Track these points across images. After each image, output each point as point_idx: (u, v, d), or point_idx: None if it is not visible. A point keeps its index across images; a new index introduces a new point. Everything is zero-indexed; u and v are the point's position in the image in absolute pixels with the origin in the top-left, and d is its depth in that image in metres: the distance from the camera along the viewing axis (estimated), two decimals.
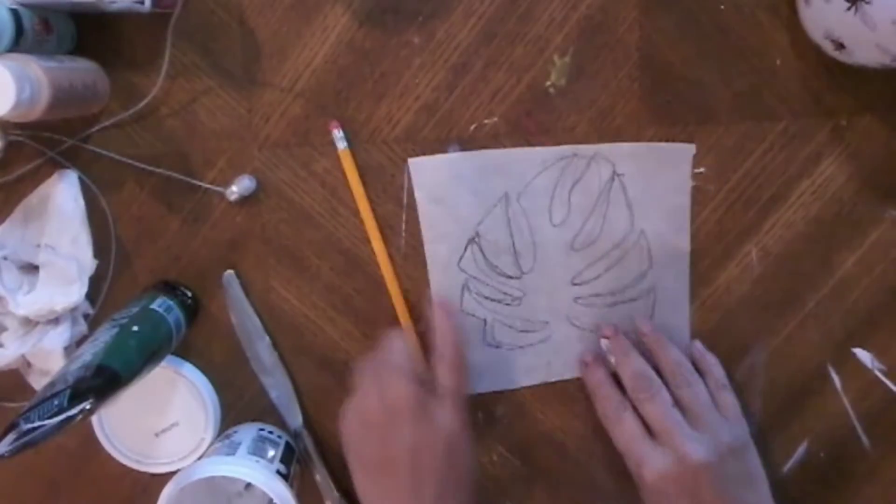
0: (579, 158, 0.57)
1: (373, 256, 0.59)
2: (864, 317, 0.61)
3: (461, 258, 0.59)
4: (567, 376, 0.61)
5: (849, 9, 0.47)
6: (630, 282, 0.60)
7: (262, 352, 0.60)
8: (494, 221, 0.58)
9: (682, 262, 0.60)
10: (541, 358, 0.61)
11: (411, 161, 0.57)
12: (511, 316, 0.60)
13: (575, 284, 0.60)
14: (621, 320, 0.60)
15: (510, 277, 0.59)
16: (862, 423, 0.62)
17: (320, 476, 0.61)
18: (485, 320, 0.60)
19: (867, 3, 0.46)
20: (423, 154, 0.57)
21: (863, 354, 0.61)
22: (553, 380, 0.61)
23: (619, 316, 0.60)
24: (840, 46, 0.51)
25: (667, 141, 0.57)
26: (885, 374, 0.61)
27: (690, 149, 0.58)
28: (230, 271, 0.59)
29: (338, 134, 0.57)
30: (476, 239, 0.59)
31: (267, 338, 0.60)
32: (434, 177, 0.57)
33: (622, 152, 0.57)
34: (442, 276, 0.59)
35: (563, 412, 0.62)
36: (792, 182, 0.59)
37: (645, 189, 0.58)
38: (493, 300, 0.60)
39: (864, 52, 0.49)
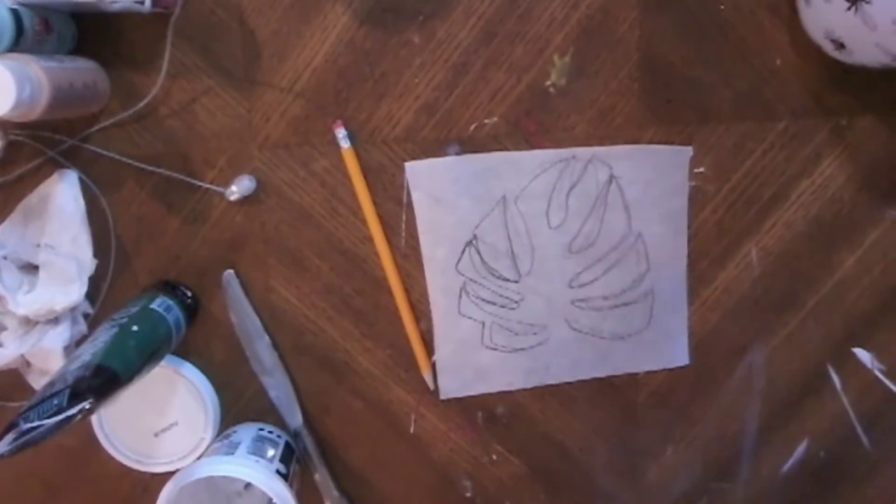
0: (576, 161, 0.57)
1: (373, 256, 0.59)
2: (864, 317, 0.61)
3: (459, 261, 0.59)
4: (567, 379, 0.61)
5: (849, 8, 0.47)
6: (628, 284, 0.60)
7: (262, 352, 0.60)
8: (492, 224, 0.58)
9: (680, 265, 0.60)
10: (539, 361, 0.61)
11: (408, 164, 0.57)
12: (509, 319, 0.60)
13: (573, 287, 0.60)
14: (619, 323, 0.60)
15: (508, 280, 0.59)
16: (862, 423, 0.62)
17: (320, 476, 0.61)
18: (483, 323, 0.60)
19: (867, 2, 0.46)
20: (424, 154, 0.57)
21: (863, 354, 0.61)
22: (552, 382, 0.61)
23: (617, 319, 0.60)
24: (840, 46, 0.51)
25: (667, 141, 0.57)
26: (885, 374, 0.61)
27: (688, 151, 0.58)
28: (230, 271, 0.59)
29: (341, 133, 0.56)
30: (474, 242, 0.59)
31: (267, 337, 0.60)
32: (431, 180, 0.57)
33: (619, 154, 0.57)
34: (440, 279, 0.59)
35: (563, 412, 0.62)
36: (792, 182, 0.59)
37: (642, 191, 0.58)
38: (491, 303, 0.60)
39: (865, 51, 0.49)
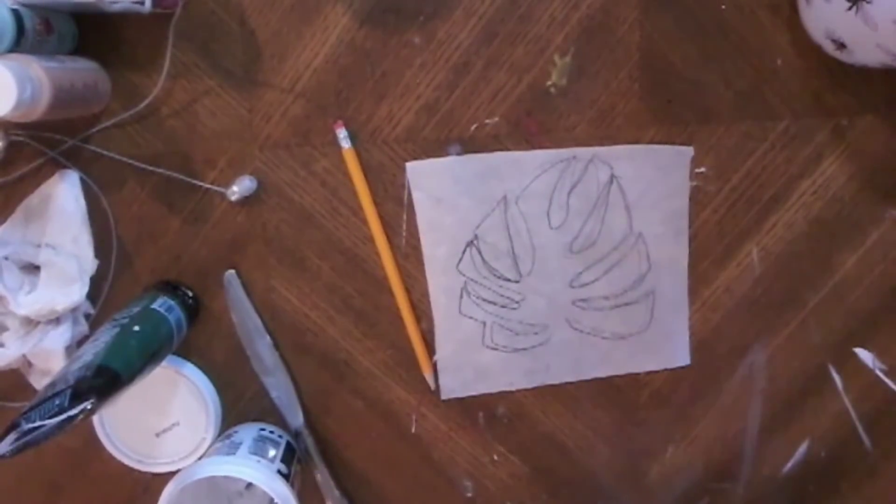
0: (577, 161, 0.57)
1: (374, 256, 0.59)
2: (864, 317, 0.61)
3: (460, 261, 0.59)
4: (568, 379, 0.61)
5: (850, 8, 0.47)
6: (629, 284, 0.60)
7: (263, 351, 0.60)
8: (493, 224, 0.58)
9: (681, 265, 0.60)
10: (540, 361, 0.61)
11: (409, 165, 0.57)
12: (510, 318, 0.60)
13: (574, 287, 0.60)
14: (620, 323, 0.60)
15: (509, 280, 0.59)
16: (863, 423, 0.62)
17: (321, 476, 0.61)
18: (484, 323, 0.60)
19: (868, 2, 0.46)
20: (424, 154, 0.57)
21: (864, 354, 0.61)
22: (553, 382, 0.61)
23: (619, 319, 0.60)
24: (841, 46, 0.51)
25: (667, 141, 0.57)
26: (886, 374, 0.61)
27: (689, 151, 0.58)
28: (231, 271, 0.59)
29: (341, 133, 0.57)
30: (475, 242, 0.59)
31: (268, 337, 0.60)
32: (432, 180, 0.57)
33: (620, 154, 0.57)
34: (440, 279, 0.59)
35: (564, 412, 0.62)
36: (793, 182, 0.59)
37: (643, 192, 0.58)
38: (491, 303, 0.60)
39: (865, 51, 0.49)
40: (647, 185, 0.58)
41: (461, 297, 0.60)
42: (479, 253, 0.59)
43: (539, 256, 0.59)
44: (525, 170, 0.57)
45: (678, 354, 0.61)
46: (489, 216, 0.58)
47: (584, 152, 0.57)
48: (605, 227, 0.59)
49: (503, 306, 0.60)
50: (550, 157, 0.57)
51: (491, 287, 0.60)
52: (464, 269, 0.59)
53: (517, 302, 0.60)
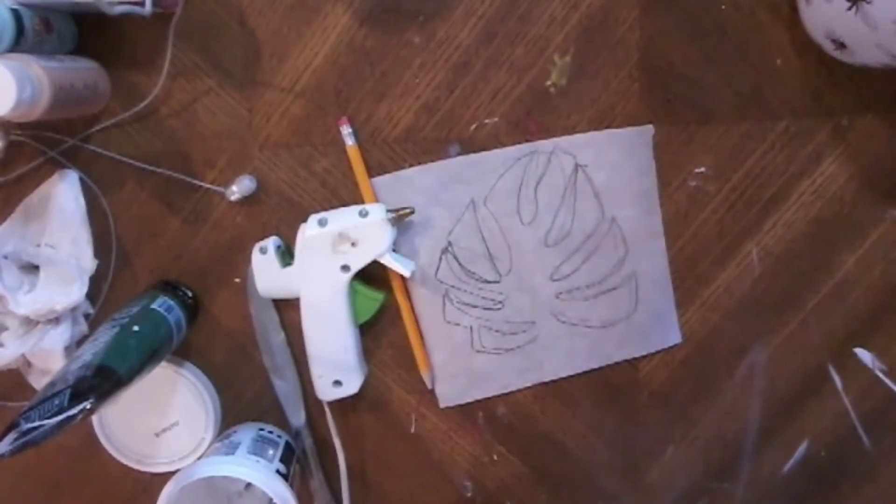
0: (539, 155, 0.57)
1: None
2: (864, 317, 0.61)
3: (437, 270, 0.59)
4: (562, 374, 0.61)
5: (850, 8, 0.47)
6: (609, 270, 0.59)
7: (276, 346, 0.60)
8: (464, 229, 0.58)
9: (659, 244, 0.59)
10: (532, 358, 0.61)
11: (373, 181, 0.57)
12: (496, 320, 0.60)
13: (555, 280, 0.59)
14: (606, 310, 0.60)
15: (489, 282, 0.59)
16: (862, 423, 0.62)
17: (317, 481, 0.61)
18: (470, 328, 0.60)
19: (868, 2, 0.46)
20: (424, 154, 0.57)
21: (864, 354, 0.61)
22: (548, 379, 0.61)
23: (604, 306, 0.60)
24: (841, 46, 0.51)
25: (667, 141, 0.57)
26: (886, 374, 0.61)
27: (649, 130, 0.57)
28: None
29: (346, 130, 0.56)
30: (449, 248, 0.58)
31: (283, 333, 0.60)
32: (398, 193, 0.57)
33: (581, 143, 0.57)
34: (421, 290, 0.59)
35: (564, 412, 0.62)
36: (792, 182, 0.59)
37: (610, 176, 0.58)
38: (475, 307, 0.60)
39: (865, 51, 0.49)
40: (613, 170, 0.58)
41: (444, 305, 0.59)
42: (456, 259, 0.59)
43: (515, 254, 0.59)
44: (488, 170, 0.57)
45: (669, 334, 0.61)
46: (459, 221, 0.58)
47: (544, 145, 0.57)
48: (577, 217, 0.58)
49: (487, 308, 0.60)
50: (511, 154, 0.57)
51: (472, 291, 0.59)
52: (442, 277, 0.59)
53: (500, 302, 0.60)
